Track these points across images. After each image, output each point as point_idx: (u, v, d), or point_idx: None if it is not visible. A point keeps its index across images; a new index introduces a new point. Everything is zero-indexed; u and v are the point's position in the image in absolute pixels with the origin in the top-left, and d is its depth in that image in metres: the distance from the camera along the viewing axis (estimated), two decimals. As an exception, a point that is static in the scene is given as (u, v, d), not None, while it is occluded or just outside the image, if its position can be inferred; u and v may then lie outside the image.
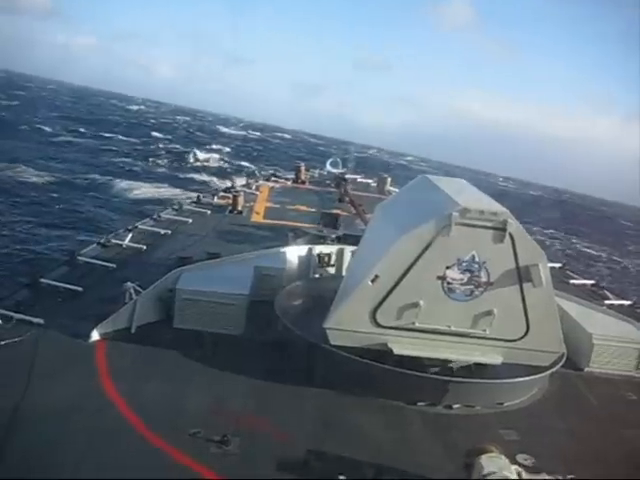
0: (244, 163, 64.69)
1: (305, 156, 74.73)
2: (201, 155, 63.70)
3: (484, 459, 6.04)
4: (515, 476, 5.93)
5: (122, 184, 43.43)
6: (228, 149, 74.73)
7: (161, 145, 70.15)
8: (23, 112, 75.10)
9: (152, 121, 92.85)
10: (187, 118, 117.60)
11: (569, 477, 6.36)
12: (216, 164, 61.55)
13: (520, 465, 6.46)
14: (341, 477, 5.93)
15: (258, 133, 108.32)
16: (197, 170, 56.04)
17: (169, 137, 78.71)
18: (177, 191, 44.25)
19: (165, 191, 43.80)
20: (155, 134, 78.88)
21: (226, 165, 62.33)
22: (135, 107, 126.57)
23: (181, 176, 51.69)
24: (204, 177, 52.66)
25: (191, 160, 61.19)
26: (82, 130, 71.45)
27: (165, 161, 59.17)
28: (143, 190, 42.74)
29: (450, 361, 8.90)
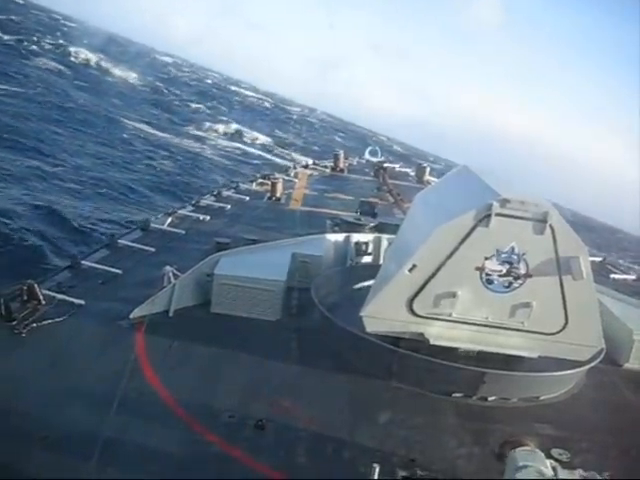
0: (257, 133, 61.69)
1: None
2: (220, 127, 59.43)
3: (518, 452, 5.98)
4: (550, 470, 5.86)
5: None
6: (240, 114, 70.55)
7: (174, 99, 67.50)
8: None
9: (161, 75, 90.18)
10: (197, 75, 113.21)
11: (605, 474, 6.28)
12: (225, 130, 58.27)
13: (555, 460, 6.40)
14: (374, 465, 5.94)
15: (270, 100, 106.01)
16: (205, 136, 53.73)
17: (178, 91, 74.61)
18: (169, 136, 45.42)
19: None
20: (159, 84, 74.53)
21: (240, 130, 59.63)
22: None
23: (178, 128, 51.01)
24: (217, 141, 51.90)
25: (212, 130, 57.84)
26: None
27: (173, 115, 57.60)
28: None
29: (487, 353, 8.84)
